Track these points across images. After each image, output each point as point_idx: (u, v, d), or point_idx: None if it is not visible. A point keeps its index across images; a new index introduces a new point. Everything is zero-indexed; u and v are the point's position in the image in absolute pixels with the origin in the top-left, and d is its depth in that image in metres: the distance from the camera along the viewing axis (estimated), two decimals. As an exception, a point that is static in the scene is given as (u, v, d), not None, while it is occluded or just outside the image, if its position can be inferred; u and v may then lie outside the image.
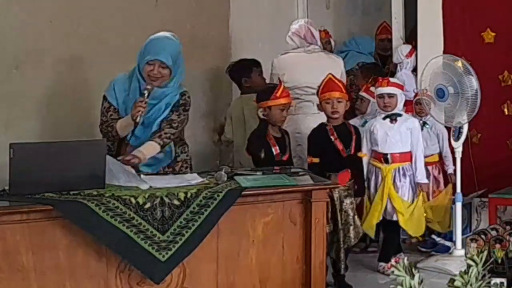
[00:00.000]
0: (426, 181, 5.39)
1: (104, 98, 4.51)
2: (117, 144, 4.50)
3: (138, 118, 4.28)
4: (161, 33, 4.53)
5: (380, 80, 5.38)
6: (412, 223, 5.32)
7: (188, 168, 4.68)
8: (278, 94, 5.13)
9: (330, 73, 5.26)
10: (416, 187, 5.31)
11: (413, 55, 6.31)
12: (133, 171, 4.03)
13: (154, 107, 4.44)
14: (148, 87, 4.33)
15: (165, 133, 4.43)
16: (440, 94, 5.32)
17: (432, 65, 5.38)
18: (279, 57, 5.84)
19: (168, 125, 4.46)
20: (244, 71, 6.15)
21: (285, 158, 5.07)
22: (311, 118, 5.36)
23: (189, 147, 4.80)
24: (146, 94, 4.31)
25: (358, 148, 5.19)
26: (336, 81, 5.19)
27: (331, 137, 5.08)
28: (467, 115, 5.28)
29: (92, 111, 5.48)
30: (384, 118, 5.29)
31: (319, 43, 5.84)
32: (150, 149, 4.36)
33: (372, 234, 5.38)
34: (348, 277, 5.14)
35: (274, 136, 5.08)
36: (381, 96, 5.31)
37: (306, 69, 5.61)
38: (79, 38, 5.47)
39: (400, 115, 5.30)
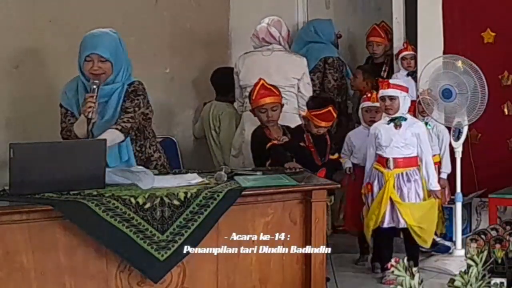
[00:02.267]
0: (439, 187, 5.28)
1: (60, 105, 4.42)
2: None
3: (90, 114, 4.12)
4: (96, 29, 4.41)
5: (381, 82, 5.34)
6: (421, 232, 5.24)
7: (162, 167, 4.57)
8: (253, 97, 5.16)
9: (331, 107, 5.23)
10: (424, 192, 5.22)
11: (399, 56, 6.32)
12: (143, 168, 4.00)
13: (106, 105, 4.31)
14: (96, 81, 4.20)
15: (121, 118, 4.26)
16: (447, 94, 5.30)
17: (433, 66, 5.38)
18: (241, 56, 5.86)
19: (123, 112, 4.30)
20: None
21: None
22: None
23: (160, 145, 4.69)
24: (95, 89, 4.18)
25: (330, 150, 5.27)
26: (334, 113, 5.21)
27: (309, 145, 5.16)
28: (475, 114, 5.28)
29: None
30: (389, 123, 5.21)
31: (282, 42, 5.79)
32: (108, 136, 4.09)
33: (368, 236, 5.30)
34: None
35: (276, 138, 5.07)
36: (382, 98, 5.23)
37: (260, 69, 5.59)
38: (79, 37, 5.43)
39: (404, 119, 5.20)
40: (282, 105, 5.21)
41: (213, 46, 6.70)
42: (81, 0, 5.52)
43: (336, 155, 5.34)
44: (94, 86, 4.18)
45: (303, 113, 5.37)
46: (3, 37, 5.01)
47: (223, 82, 6.15)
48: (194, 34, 6.54)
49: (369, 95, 5.50)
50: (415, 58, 6.26)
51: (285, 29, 5.84)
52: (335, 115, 5.26)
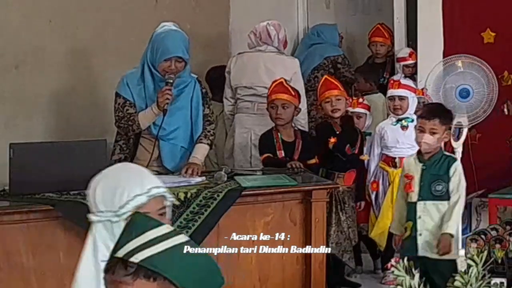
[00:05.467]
0: None
1: (117, 95, 4.47)
2: (132, 142, 4.50)
3: (166, 106, 4.29)
4: (166, 27, 4.52)
5: (391, 81, 5.32)
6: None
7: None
8: (268, 93, 5.13)
9: (326, 75, 5.30)
10: None
11: (402, 63, 6.31)
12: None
13: (178, 96, 4.46)
14: (172, 75, 4.37)
15: (208, 131, 4.52)
16: (464, 94, 5.31)
17: (438, 67, 5.38)
18: (234, 56, 5.84)
19: (207, 121, 4.54)
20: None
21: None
22: (250, 119, 5.36)
23: None
24: (172, 82, 4.34)
25: (361, 150, 5.16)
26: (332, 79, 5.18)
27: (337, 132, 5.04)
28: (486, 112, 5.30)
29: (92, 110, 5.48)
30: (395, 123, 5.21)
31: (276, 44, 5.74)
32: (202, 151, 4.46)
33: (383, 242, 5.15)
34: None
35: (283, 139, 5.00)
36: (391, 98, 5.23)
37: (251, 70, 5.58)
38: (79, 37, 5.47)
39: (412, 120, 5.18)
40: (297, 109, 5.11)
41: (213, 47, 6.68)
42: (81, 0, 5.52)
43: (365, 156, 5.22)
44: (171, 81, 4.35)
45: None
46: (3, 37, 5.01)
47: (218, 82, 6.13)
48: (194, 34, 6.49)
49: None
50: (415, 65, 6.25)
51: (283, 33, 5.80)
52: (335, 82, 5.19)
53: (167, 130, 4.41)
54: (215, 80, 6.14)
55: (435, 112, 4.22)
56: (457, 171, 4.18)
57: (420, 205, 4.15)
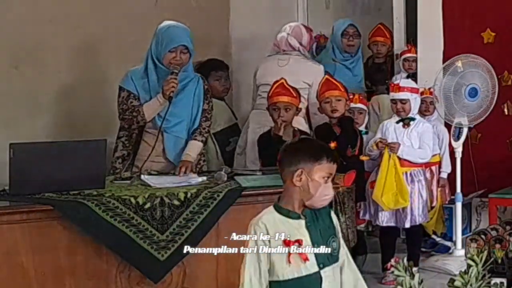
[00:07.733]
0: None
1: (121, 88, 4.54)
2: (135, 138, 4.54)
3: (172, 94, 4.33)
4: (169, 22, 4.59)
5: (392, 85, 5.34)
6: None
7: (204, 162, 4.75)
8: (270, 94, 5.15)
9: (326, 74, 5.35)
10: (426, 193, 5.25)
11: (401, 57, 6.31)
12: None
13: (183, 90, 4.50)
14: (177, 66, 4.42)
15: (203, 128, 4.57)
16: (473, 93, 5.32)
17: (451, 65, 5.39)
18: (264, 58, 5.89)
19: (204, 117, 4.58)
20: (202, 74, 6.09)
21: None
22: (266, 115, 5.34)
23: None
24: (177, 72, 4.39)
25: (360, 151, 5.15)
26: (333, 80, 5.19)
27: (336, 133, 5.03)
28: (488, 113, 5.32)
29: (93, 110, 5.49)
30: (398, 122, 5.23)
31: (302, 51, 5.79)
32: (195, 149, 4.50)
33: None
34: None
35: (283, 140, 5.01)
36: (394, 101, 5.24)
37: (277, 69, 5.61)
38: (79, 37, 5.47)
39: (413, 119, 5.22)
40: (298, 109, 5.16)
41: (213, 46, 6.69)
42: (81, 0, 5.52)
43: (365, 157, 5.20)
44: (176, 71, 4.40)
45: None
46: (3, 37, 5.01)
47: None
48: (194, 35, 6.51)
49: (351, 96, 5.47)
50: (416, 60, 6.24)
51: (305, 37, 5.83)
52: (336, 82, 5.21)
53: (171, 122, 4.47)
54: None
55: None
56: (336, 218, 3.10)
57: (325, 274, 3.00)
